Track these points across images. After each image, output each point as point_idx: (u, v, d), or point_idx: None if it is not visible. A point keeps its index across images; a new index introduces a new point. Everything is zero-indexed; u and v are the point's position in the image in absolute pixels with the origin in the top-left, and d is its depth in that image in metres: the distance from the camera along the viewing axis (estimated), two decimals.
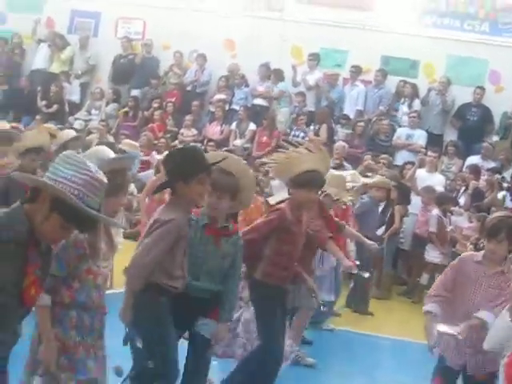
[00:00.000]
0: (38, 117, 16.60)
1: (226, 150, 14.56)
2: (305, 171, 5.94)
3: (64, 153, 3.58)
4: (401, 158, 14.92)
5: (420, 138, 15.19)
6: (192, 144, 13.38)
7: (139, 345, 4.96)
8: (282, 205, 6.08)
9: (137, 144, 13.66)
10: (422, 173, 13.49)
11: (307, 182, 5.94)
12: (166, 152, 6.26)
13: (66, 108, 17.50)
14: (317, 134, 15.39)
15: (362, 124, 15.51)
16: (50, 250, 3.70)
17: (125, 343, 5.04)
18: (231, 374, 6.16)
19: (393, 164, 14.36)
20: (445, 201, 12.42)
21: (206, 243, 5.24)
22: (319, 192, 6.58)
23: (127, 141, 13.78)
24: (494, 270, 5.34)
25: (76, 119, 17.04)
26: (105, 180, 3.56)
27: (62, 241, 4.06)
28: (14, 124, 11.18)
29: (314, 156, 6.06)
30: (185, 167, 4.87)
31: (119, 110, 17.16)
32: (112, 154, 4.56)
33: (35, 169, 7.01)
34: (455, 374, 5.42)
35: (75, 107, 17.77)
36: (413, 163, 13.75)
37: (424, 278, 12.29)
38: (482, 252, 5.49)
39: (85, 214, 3.41)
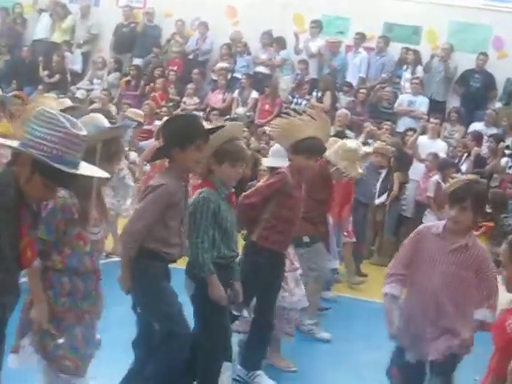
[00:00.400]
0: (40, 87, 16.60)
1: (229, 119, 14.63)
2: (305, 138, 5.98)
3: (37, 110, 3.56)
4: (403, 124, 14.87)
5: (422, 104, 15.14)
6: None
7: (139, 310, 5.03)
8: (283, 169, 6.11)
9: (142, 113, 13.68)
10: (424, 139, 13.49)
11: (307, 148, 5.98)
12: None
13: (68, 77, 17.47)
14: (320, 101, 15.36)
15: (363, 91, 15.46)
16: (41, 209, 3.76)
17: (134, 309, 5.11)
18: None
19: (395, 131, 14.36)
20: (445, 166, 12.41)
21: (231, 213, 5.35)
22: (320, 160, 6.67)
23: (132, 109, 13.80)
24: (456, 243, 4.77)
25: (78, 89, 17.02)
26: (82, 133, 3.54)
27: (50, 205, 4.10)
28: (17, 92, 11.18)
29: (315, 123, 6.08)
30: (182, 133, 4.89)
31: (121, 79, 17.12)
32: (106, 123, 4.56)
33: None
34: (414, 366, 4.96)
35: (77, 77, 17.74)
36: (414, 130, 13.74)
37: None
38: (443, 222, 4.88)
39: (64, 172, 3.42)
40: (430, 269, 4.82)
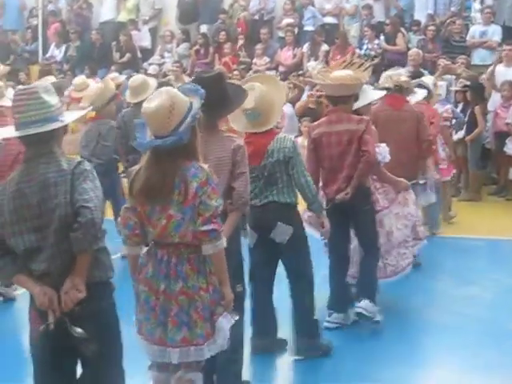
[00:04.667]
0: (112, 67, 16.82)
1: (300, 74, 14.62)
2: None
3: (40, 85, 3.93)
4: (477, 56, 14.56)
5: (495, 33, 14.68)
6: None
7: None
8: (365, 117, 6.39)
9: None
10: (499, 68, 13.14)
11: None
12: None
13: (139, 55, 17.64)
14: (394, 43, 15.19)
15: (432, 28, 15.10)
16: None
17: None
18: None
19: (471, 64, 14.10)
20: None
21: None
22: None
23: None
24: None
25: (150, 64, 17.15)
26: None
27: (204, 177, 4.04)
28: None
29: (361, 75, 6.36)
30: (236, 92, 5.09)
31: (191, 49, 17.22)
32: None
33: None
34: None
35: (148, 53, 17.87)
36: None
37: (511, 173, 12.13)
38: None
39: None
40: None
